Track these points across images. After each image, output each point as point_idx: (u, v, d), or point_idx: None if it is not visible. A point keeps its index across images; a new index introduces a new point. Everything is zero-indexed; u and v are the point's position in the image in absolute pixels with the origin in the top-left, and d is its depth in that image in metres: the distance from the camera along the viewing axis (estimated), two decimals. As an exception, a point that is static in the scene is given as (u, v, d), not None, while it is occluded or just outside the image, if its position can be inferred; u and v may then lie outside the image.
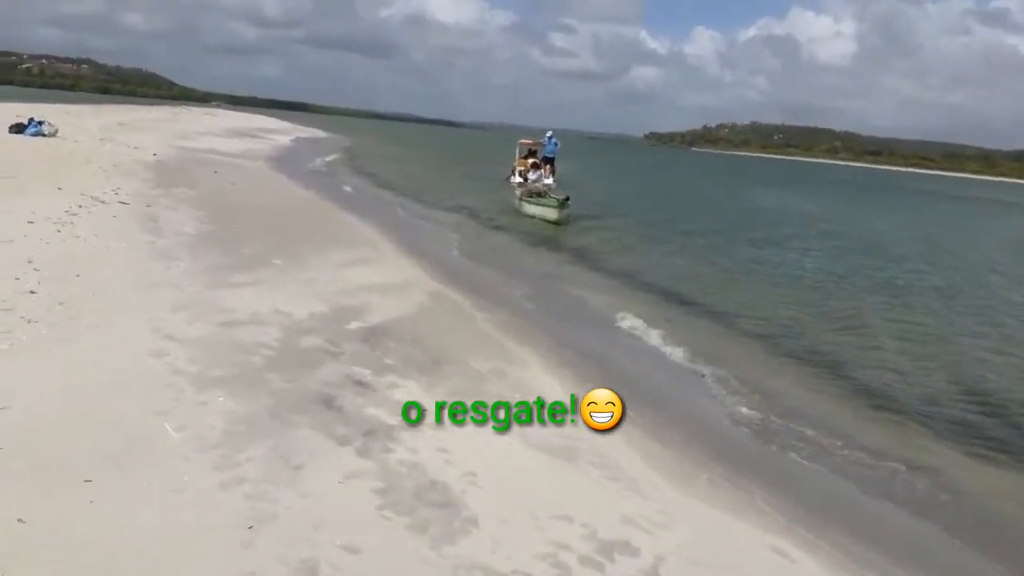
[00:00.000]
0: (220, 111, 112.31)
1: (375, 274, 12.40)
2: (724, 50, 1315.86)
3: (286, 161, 35.82)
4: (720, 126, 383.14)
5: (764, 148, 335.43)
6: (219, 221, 14.55)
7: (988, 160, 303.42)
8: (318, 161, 40.18)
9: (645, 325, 11.45)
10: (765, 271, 18.07)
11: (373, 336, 8.65)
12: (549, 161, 34.25)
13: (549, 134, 35.12)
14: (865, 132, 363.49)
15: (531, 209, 23.81)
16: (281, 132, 65.79)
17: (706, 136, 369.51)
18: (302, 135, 66.06)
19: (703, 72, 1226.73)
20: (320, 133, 75.84)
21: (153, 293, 8.94)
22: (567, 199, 23.12)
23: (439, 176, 39.66)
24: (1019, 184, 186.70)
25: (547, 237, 20.18)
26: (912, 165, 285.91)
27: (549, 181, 30.41)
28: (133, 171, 20.40)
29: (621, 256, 18.37)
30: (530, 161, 35.64)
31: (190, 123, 57.62)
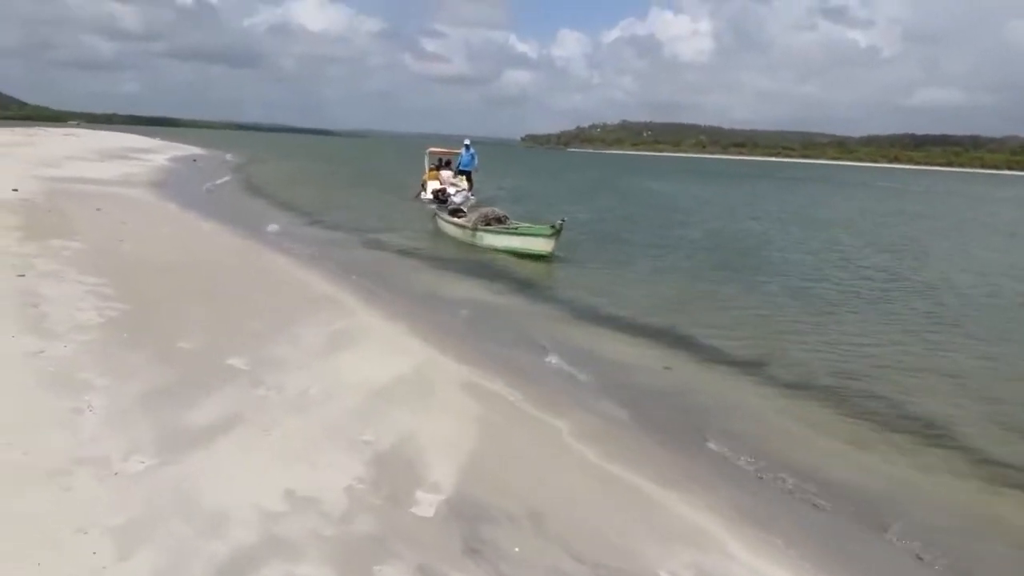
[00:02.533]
0: (81, 131, 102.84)
1: (374, 361, 8.57)
2: (591, 52, 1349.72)
3: (172, 186, 30.81)
4: (592, 126, 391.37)
5: (635, 146, 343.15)
6: (127, 293, 10.14)
7: (843, 146, 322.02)
8: (207, 183, 35.30)
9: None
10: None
11: (470, 530, 4.89)
12: (465, 174, 30.33)
13: (467, 143, 31.01)
14: (727, 125, 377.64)
15: (503, 241, 18.50)
16: (154, 151, 59.07)
17: (580, 136, 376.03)
18: (178, 153, 59.61)
19: (572, 74, 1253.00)
20: (195, 150, 69.25)
21: (67, 500, 4.62)
22: (562, 223, 17.49)
23: (342, 193, 36.57)
24: (884, 168, 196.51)
25: (521, 272, 16.40)
26: (774, 155, 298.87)
27: (468, 194, 26.88)
28: (-11, 218, 15.52)
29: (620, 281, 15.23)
30: (445, 174, 31.61)
31: (51, 146, 50.32)
